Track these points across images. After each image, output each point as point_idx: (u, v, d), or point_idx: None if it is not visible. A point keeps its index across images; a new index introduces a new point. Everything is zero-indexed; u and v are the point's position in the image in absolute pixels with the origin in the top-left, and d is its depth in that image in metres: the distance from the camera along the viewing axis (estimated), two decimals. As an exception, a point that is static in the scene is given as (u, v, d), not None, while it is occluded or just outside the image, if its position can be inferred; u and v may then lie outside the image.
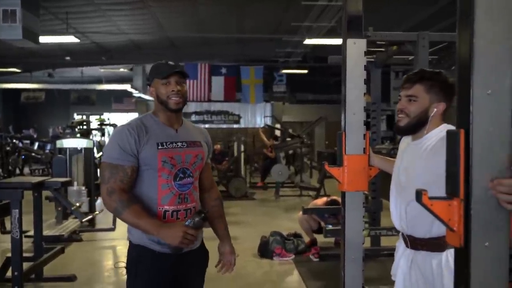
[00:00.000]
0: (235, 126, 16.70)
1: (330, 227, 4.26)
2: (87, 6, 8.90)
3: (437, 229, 1.67)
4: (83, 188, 5.92)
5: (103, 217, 6.22)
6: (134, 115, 17.24)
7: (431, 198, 1.06)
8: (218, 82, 14.71)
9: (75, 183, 5.81)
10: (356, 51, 2.08)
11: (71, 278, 3.95)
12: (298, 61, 13.38)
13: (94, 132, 10.22)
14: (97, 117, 14.60)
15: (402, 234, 1.83)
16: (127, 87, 15.31)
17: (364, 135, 2.08)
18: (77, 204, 4.42)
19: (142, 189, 1.81)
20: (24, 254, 3.28)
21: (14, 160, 10.71)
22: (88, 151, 6.19)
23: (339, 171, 2.09)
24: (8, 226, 5.03)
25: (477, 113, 1.00)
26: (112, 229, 5.66)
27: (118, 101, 19.58)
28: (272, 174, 9.55)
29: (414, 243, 1.76)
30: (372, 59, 4.44)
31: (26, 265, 3.32)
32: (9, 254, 3.46)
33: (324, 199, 5.40)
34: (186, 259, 1.84)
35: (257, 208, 8.21)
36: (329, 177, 8.56)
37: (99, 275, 4.42)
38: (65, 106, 19.65)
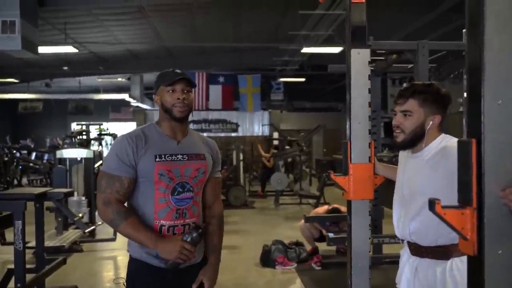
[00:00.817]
0: (233, 134, 16.72)
1: (332, 235, 4.26)
2: (86, 16, 8.94)
3: (444, 239, 1.68)
4: (83, 198, 5.90)
5: (104, 228, 6.17)
6: (131, 125, 17.25)
7: (444, 207, 1.07)
8: (216, 91, 14.75)
9: (75, 193, 5.79)
10: (360, 60, 2.11)
11: (73, 290, 3.93)
12: (296, 69, 13.46)
13: (92, 141, 10.20)
14: (97, 126, 14.57)
15: (407, 242, 1.85)
16: (124, 96, 15.32)
17: (369, 143, 2.10)
18: (80, 215, 4.40)
19: (139, 202, 1.76)
20: (26, 266, 3.26)
21: (12, 171, 10.66)
22: (88, 161, 6.18)
23: (344, 180, 2.11)
24: (8, 237, 5.01)
25: (488, 123, 1.02)
26: (113, 240, 5.64)
27: (116, 110, 19.59)
28: (272, 182, 9.55)
29: (419, 250, 1.77)
30: (372, 68, 4.48)
31: (28, 277, 3.29)
32: (10, 266, 3.44)
33: (326, 207, 5.40)
34: (187, 273, 1.80)
35: (257, 217, 8.20)
36: (328, 185, 8.60)
37: (100, 286, 4.40)
38: (63, 116, 19.63)
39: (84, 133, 9.53)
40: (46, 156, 13.14)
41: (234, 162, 10.22)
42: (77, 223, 4.17)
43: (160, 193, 1.74)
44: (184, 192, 1.77)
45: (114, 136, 11.21)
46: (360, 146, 2.09)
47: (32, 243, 3.98)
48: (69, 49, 9.38)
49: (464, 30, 4.08)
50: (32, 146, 15.53)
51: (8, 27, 6.02)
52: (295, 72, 13.97)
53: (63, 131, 17.99)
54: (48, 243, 4.33)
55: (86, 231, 4.38)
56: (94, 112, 18.49)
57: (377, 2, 6.96)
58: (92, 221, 5.87)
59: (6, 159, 10.45)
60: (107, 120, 19.45)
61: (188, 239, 1.69)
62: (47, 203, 4.28)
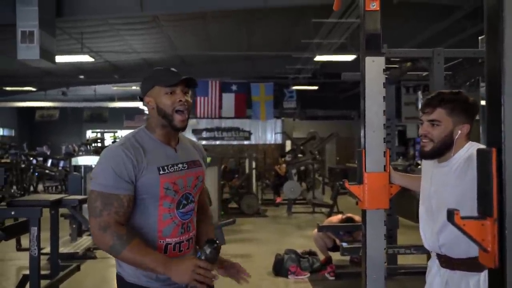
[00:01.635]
0: (245, 142, 16.75)
1: (346, 245, 4.21)
2: (102, 26, 9.11)
3: (476, 251, 1.64)
4: (97, 205, 5.96)
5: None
6: (145, 132, 17.40)
7: (463, 218, 1.05)
8: (229, 99, 14.85)
9: (90, 200, 5.85)
10: (374, 68, 2.09)
11: (86, 297, 3.95)
12: (308, 77, 13.46)
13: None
14: (111, 134, 14.74)
15: (436, 254, 1.81)
16: (139, 104, 15.50)
17: (385, 152, 2.07)
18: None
19: (140, 222, 1.54)
20: (41, 272, 3.29)
21: (28, 177, 10.84)
22: (102, 168, 6.24)
23: (359, 189, 2.08)
24: (23, 243, 5.07)
25: (509, 132, 0.99)
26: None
27: (130, 118, 19.81)
28: (284, 190, 9.51)
29: (450, 263, 1.73)
30: (386, 76, 4.46)
31: (43, 283, 3.32)
32: (25, 271, 3.48)
33: (339, 216, 5.34)
34: None
35: (270, 225, 8.15)
36: (342, 193, 8.53)
37: (114, 293, 4.41)
38: (78, 124, 19.94)
39: (99, 140, 9.63)
40: (61, 163, 13.34)
41: (247, 170, 10.21)
42: (91, 230, 4.20)
43: (164, 208, 1.54)
44: (188, 204, 1.61)
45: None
46: (375, 155, 2.06)
47: (47, 250, 4.02)
48: (85, 58, 9.56)
49: (480, 37, 4.04)
50: (49, 153, 15.79)
51: (27, 37, 6.15)
52: (308, 80, 13.98)
53: (78, 139, 18.27)
54: (62, 249, 4.38)
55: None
56: (108, 120, 18.74)
57: (391, 10, 6.94)
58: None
59: (23, 166, 10.62)
60: (122, 128, 19.68)
61: (202, 257, 1.46)
62: (62, 210, 4.33)
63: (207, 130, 16.79)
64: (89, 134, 19.11)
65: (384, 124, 2.10)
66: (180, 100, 1.54)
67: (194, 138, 17.01)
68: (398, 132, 13.58)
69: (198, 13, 8.44)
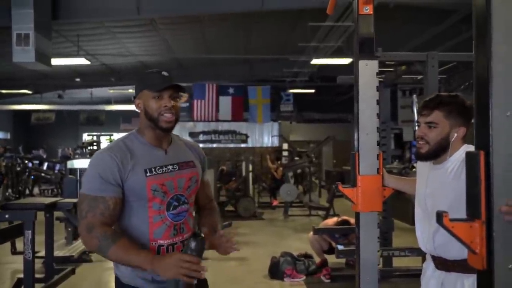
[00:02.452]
0: (242, 145, 16.73)
1: (341, 247, 4.22)
2: (98, 29, 9.10)
3: None
4: (93, 208, 5.95)
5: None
6: (142, 135, 17.38)
7: (452, 220, 1.05)
8: (226, 102, 14.85)
9: (85, 203, 5.83)
10: (368, 72, 2.10)
11: (81, 300, 3.93)
12: (305, 80, 13.50)
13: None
14: (107, 137, 14.72)
15: (431, 256, 1.81)
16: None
17: (378, 155, 2.08)
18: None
19: (131, 223, 1.56)
20: (36, 275, 3.28)
21: (24, 181, 10.80)
22: (98, 171, 6.22)
23: (353, 192, 2.09)
24: (18, 246, 5.04)
25: (497, 135, 1.00)
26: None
27: (127, 121, 19.76)
28: (281, 193, 9.51)
29: (445, 264, 1.73)
30: (381, 79, 4.48)
31: (37, 286, 3.31)
32: (20, 275, 3.46)
33: (335, 219, 5.35)
34: None
35: (266, 228, 8.15)
36: (338, 196, 8.54)
37: (109, 296, 4.39)
38: (74, 127, 19.89)
39: (95, 143, 9.61)
40: (57, 166, 13.30)
41: (244, 173, 10.21)
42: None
43: (154, 210, 1.56)
44: (180, 206, 1.61)
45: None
46: (369, 158, 2.07)
47: (42, 253, 4.00)
48: (82, 61, 9.55)
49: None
50: (45, 156, 15.74)
51: (22, 40, 6.14)
52: (305, 84, 14.01)
53: (74, 142, 18.24)
54: (57, 253, 4.37)
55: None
56: (105, 123, 18.69)
57: (387, 14, 6.98)
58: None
59: (18, 169, 10.58)
60: (118, 131, 19.64)
61: (188, 251, 1.47)
62: (57, 213, 4.32)
63: (204, 133, 16.78)
64: (85, 137, 19.06)
65: (377, 127, 2.11)
66: (166, 106, 1.57)
67: (176, 132, 16.81)
68: (394, 135, 13.60)
69: (195, 16, 8.46)
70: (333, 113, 17.44)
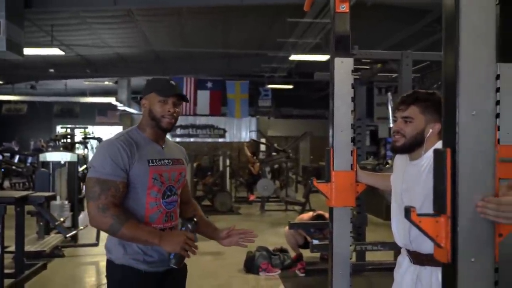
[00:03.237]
0: (220, 140, 16.71)
1: (316, 242, 4.27)
2: (73, 19, 8.88)
3: None
4: (66, 202, 5.82)
5: (86, 232, 6.09)
6: (118, 128, 17.12)
7: (419, 215, 1.09)
8: (204, 96, 14.74)
9: (58, 197, 5.71)
10: (343, 69, 2.13)
11: (53, 295, 3.86)
12: (284, 76, 13.54)
13: (77, 145, 10.09)
14: (81, 130, 14.43)
15: (407, 250, 1.84)
16: (111, 100, 15.21)
17: (352, 151, 2.12)
18: (61, 219, 4.34)
19: (129, 207, 1.77)
20: (5, 271, 3.20)
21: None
22: (72, 165, 6.10)
23: (327, 187, 2.13)
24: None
25: (463, 133, 1.04)
26: (96, 245, 5.57)
27: (102, 114, 19.41)
28: (258, 188, 9.55)
29: (420, 258, 1.76)
30: (357, 76, 4.55)
31: (7, 282, 3.23)
32: (-11, 271, 3.37)
33: (310, 214, 5.42)
34: (170, 275, 1.82)
35: (243, 223, 8.17)
36: (314, 191, 8.63)
37: (82, 291, 4.33)
38: (48, 119, 19.40)
39: (68, 136, 9.40)
40: (29, 159, 12.95)
41: (221, 168, 10.20)
42: (58, 227, 4.12)
43: (151, 197, 1.78)
44: (172, 196, 1.84)
45: (99, 139, 11.14)
46: (343, 154, 2.11)
47: (12, 248, 3.91)
48: (56, 51, 9.29)
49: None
50: (17, 149, 15.29)
51: (-8, 28, 5.94)
52: (283, 79, 14.06)
53: (48, 134, 17.78)
54: (28, 247, 4.27)
55: (68, 235, 4.32)
56: (80, 116, 18.32)
57: (365, 12, 7.06)
58: (75, 225, 5.79)
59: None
60: (93, 124, 19.26)
61: (188, 230, 1.75)
62: (28, 207, 4.22)
63: (182, 127, 16.66)
64: (59, 129, 18.62)
65: (352, 124, 2.15)
66: (169, 111, 1.81)
67: (168, 136, 16.76)
68: (370, 131, 13.81)
69: (174, 8, 8.35)
70: (311, 109, 17.59)
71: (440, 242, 1.07)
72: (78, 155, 6.47)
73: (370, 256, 4.86)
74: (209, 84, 14.69)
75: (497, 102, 1.06)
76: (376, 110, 12.26)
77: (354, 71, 2.19)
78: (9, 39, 6.02)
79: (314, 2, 2.38)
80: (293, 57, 10.26)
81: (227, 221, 8.14)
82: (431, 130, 1.75)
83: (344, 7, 2.11)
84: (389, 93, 4.47)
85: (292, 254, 5.12)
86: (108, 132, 17.66)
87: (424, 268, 1.75)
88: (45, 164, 6.05)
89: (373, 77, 4.78)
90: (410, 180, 1.80)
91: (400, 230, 1.84)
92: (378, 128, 14.06)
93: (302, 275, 4.77)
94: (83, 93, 16.59)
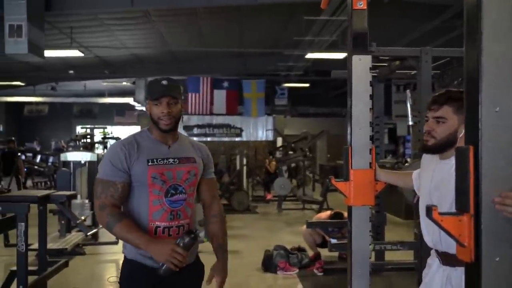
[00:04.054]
0: (237, 139, 16.73)
1: (334, 241, 4.25)
2: (91, 21, 9.02)
3: None
4: (87, 201, 5.93)
5: (106, 231, 6.21)
6: (136, 128, 17.33)
7: (441, 213, 1.07)
8: (220, 96, 14.81)
9: (79, 196, 5.82)
10: (361, 67, 2.10)
11: (75, 292, 3.94)
12: (300, 75, 13.49)
13: (96, 145, 10.26)
14: (100, 130, 14.66)
15: (436, 251, 1.79)
16: (129, 100, 15.41)
17: (370, 149, 2.10)
18: (82, 218, 4.42)
19: (134, 205, 1.82)
20: (29, 268, 3.28)
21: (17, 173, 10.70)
22: (91, 164, 6.21)
23: (345, 186, 2.11)
24: (12, 239, 5.03)
25: (486, 130, 1.02)
26: (115, 243, 5.64)
27: (120, 114, 19.67)
28: (275, 187, 9.54)
29: (450, 259, 1.71)
30: (375, 74, 4.50)
31: (30, 279, 3.31)
32: (13, 267, 3.46)
33: (328, 212, 5.39)
34: (180, 273, 1.79)
35: (260, 222, 8.18)
36: (332, 190, 8.59)
37: (102, 289, 4.40)
38: (68, 119, 19.76)
39: (88, 136, 9.56)
40: (51, 159, 13.22)
41: (238, 167, 10.23)
42: (79, 226, 4.19)
43: (154, 195, 1.80)
44: (177, 194, 1.84)
45: (117, 139, 11.34)
46: (361, 152, 2.08)
47: (35, 245, 3.99)
48: (75, 53, 9.47)
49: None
50: (39, 149, 15.63)
51: (15, 31, 6.08)
52: (299, 78, 14.01)
53: (67, 134, 18.12)
54: (51, 245, 4.36)
55: (89, 234, 4.39)
56: (98, 116, 18.58)
57: (382, 9, 6.98)
58: (95, 224, 5.89)
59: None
60: (112, 124, 19.52)
61: (181, 244, 1.71)
62: (50, 206, 4.31)
63: (198, 126, 16.75)
64: (79, 129, 18.95)
65: (370, 122, 2.13)
66: (163, 112, 1.83)
67: (185, 134, 16.87)
68: (388, 130, 13.66)
69: (190, 9, 8.40)
70: (327, 107, 17.48)
71: (463, 241, 1.05)
72: (97, 154, 6.58)
73: (389, 256, 4.81)
74: (226, 84, 14.74)
75: (522, 98, 1.03)
76: (394, 107, 12.11)
77: (372, 68, 2.16)
78: (30, 41, 6.16)
79: (331, -1, 2.37)
80: (309, 55, 10.21)
81: (244, 220, 8.17)
82: (464, 130, 1.70)
83: (362, 4, 2.08)
84: (407, 91, 4.40)
85: (310, 253, 5.10)
86: (126, 132, 17.88)
87: (454, 269, 1.69)
88: (66, 163, 6.17)
89: (391, 74, 4.71)
90: (440, 179, 1.75)
91: (429, 229, 1.78)
92: (396, 126, 13.90)
93: (320, 274, 4.75)
94: (102, 94, 16.85)
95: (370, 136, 2.12)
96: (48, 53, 7.52)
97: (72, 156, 6.21)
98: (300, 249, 5.13)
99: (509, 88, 1.03)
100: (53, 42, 9.48)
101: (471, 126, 1.05)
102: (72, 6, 6.88)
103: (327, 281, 4.62)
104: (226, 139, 16.70)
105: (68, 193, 4.08)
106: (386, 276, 4.58)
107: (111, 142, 11.05)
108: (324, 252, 4.94)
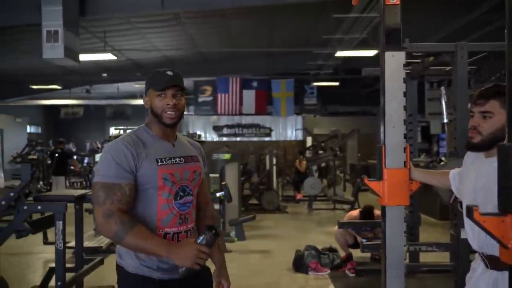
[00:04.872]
0: (266, 139, 16.75)
1: (366, 241, 4.17)
2: (124, 25, 9.24)
3: None
4: (120, 200, 6.06)
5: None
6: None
7: (483, 214, 1.03)
8: (249, 96, 14.87)
9: (113, 196, 5.95)
10: (394, 63, 2.06)
11: (110, 289, 4.04)
12: (329, 73, 13.34)
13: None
14: (133, 131, 15.01)
15: (481, 254, 1.71)
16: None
17: (404, 148, 2.05)
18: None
19: (139, 211, 1.61)
20: (66, 265, 3.38)
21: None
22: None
23: (379, 185, 2.06)
24: (50, 237, 5.22)
25: (531, 127, 0.97)
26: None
27: (152, 115, 20.03)
28: (305, 187, 9.49)
29: (496, 263, 1.61)
30: (408, 71, 4.39)
31: (68, 276, 3.42)
32: (52, 264, 3.58)
33: (359, 209, 5.31)
34: (189, 282, 1.65)
35: (290, 222, 8.15)
36: (363, 190, 8.46)
37: (136, 286, 4.49)
38: (101, 121, 20.34)
39: (121, 137, 9.82)
40: (86, 160, 13.64)
41: (267, 167, 10.23)
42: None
43: (163, 199, 1.62)
44: (185, 196, 1.68)
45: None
46: (395, 151, 2.04)
47: (72, 243, 4.12)
48: (108, 56, 9.73)
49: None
50: (75, 150, 16.16)
51: (52, 37, 6.30)
52: (329, 76, 13.85)
53: (101, 135, 18.68)
54: (86, 243, 4.50)
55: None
56: (131, 117, 19.03)
57: (414, 4, 6.81)
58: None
59: (49, 162, 10.91)
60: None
61: (203, 242, 1.54)
62: (86, 205, 4.44)
63: (228, 126, 16.87)
64: (112, 131, 19.47)
65: (404, 120, 2.08)
66: (168, 104, 1.65)
67: (215, 135, 17.12)
68: (421, 128, 13.31)
69: (219, 10, 8.47)
70: (357, 106, 17.21)
71: (506, 242, 1.00)
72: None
73: (424, 257, 4.69)
74: (255, 84, 14.79)
75: None
76: (428, 105, 11.80)
77: (405, 65, 2.11)
78: (66, 46, 6.37)
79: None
80: (339, 54, 10.08)
81: (274, 219, 8.15)
82: None
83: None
84: (442, 88, 4.28)
85: (342, 253, 5.03)
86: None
87: (502, 273, 1.60)
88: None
89: (424, 71, 4.59)
90: (486, 178, 1.65)
91: (474, 231, 1.69)
92: (429, 124, 13.52)
93: (353, 275, 4.68)
94: (134, 96, 17.24)
95: (404, 134, 2.07)
96: (82, 57, 7.76)
97: (106, 156, 6.36)
98: (332, 250, 5.08)
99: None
100: (87, 46, 9.78)
101: (514, 122, 1.00)
102: (105, 11, 7.07)
103: (359, 282, 4.54)
104: (256, 139, 16.73)
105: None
106: (421, 278, 4.46)
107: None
108: (356, 253, 4.86)
